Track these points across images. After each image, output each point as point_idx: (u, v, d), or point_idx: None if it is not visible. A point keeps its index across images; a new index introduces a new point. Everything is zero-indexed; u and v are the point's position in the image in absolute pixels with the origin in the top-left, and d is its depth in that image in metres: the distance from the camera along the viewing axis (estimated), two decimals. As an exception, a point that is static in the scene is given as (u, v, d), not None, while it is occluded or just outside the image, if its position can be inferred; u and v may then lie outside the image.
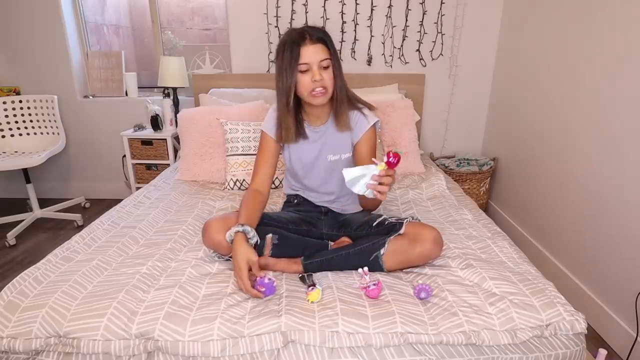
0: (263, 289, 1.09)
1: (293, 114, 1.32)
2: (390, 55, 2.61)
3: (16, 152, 2.61)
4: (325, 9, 2.52)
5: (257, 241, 1.20)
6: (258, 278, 1.11)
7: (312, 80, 1.22)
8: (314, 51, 1.21)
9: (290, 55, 1.21)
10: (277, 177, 1.94)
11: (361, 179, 1.08)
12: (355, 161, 1.40)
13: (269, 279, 1.11)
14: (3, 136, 2.62)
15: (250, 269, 1.12)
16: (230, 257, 1.27)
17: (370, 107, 1.40)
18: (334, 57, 1.26)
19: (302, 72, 1.23)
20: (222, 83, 2.61)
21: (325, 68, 1.23)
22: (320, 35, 1.23)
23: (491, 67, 2.64)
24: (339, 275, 1.20)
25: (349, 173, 1.09)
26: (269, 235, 1.28)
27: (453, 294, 1.10)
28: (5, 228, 2.45)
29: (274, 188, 1.93)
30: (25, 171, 2.52)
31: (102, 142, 2.95)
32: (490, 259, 1.27)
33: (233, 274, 1.17)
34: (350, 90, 1.38)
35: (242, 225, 1.17)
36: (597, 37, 1.67)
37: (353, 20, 2.54)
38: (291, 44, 1.21)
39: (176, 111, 2.67)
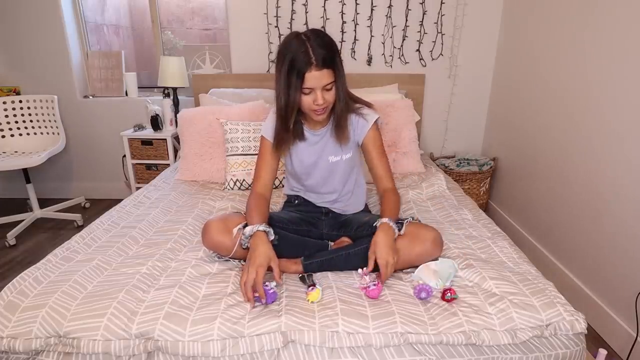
0: (263, 300, 1.06)
1: (294, 124, 1.32)
2: (390, 55, 2.61)
3: (16, 152, 2.61)
4: (325, 9, 2.52)
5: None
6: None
7: (315, 103, 1.21)
8: (320, 77, 1.17)
9: (295, 78, 1.17)
10: (276, 177, 1.94)
11: (433, 278, 1.15)
12: (367, 162, 1.41)
13: (272, 289, 1.08)
14: (3, 136, 2.61)
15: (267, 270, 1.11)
16: (230, 257, 1.27)
17: (369, 105, 1.39)
18: (338, 75, 1.22)
19: (305, 94, 1.21)
20: (222, 83, 2.61)
21: (329, 90, 1.22)
22: (326, 58, 1.16)
23: (491, 67, 2.64)
24: (339, 275, 1.21)
25: (422, 277, 1.17)
26: (269, 236, 1.29)
27: (453, 294, 1.10)
28: (5, 228, 2.45)
29: (274, 188, 1.93)
30: (25, 171, 2.52)
31: (102, 142, 2.95)
32: (490, 259, 1.27)
33: (243, 268, 1.14)
34: (351, 93, 1.36)
35: (267, 226, 1.19)
36: (597, 37, 1.67)
37: (353, 20, 2.54)
38: (297, 65, 1.15)
39: (176, 111, 2.67)
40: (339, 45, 2.54)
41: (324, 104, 1.22)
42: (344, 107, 1.29)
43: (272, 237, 1.19)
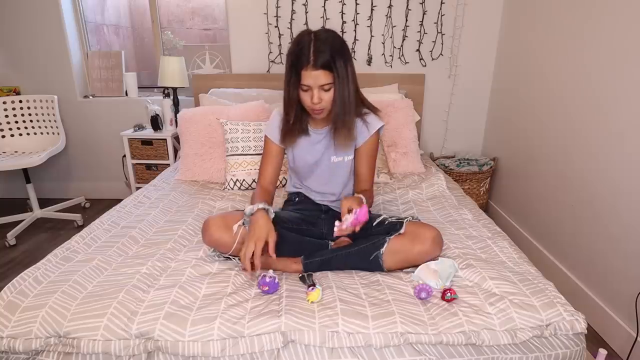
0: (266, 288, 1.10)
1: (299, 119, 1.35)
2: (390, 55, 2.61)
3: (16, 152, 2.61)
4: (325, 9, 2.52)
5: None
6: (260, 278, 1.12)
7: (311, 101, 1.23)
8: (315, 77, 1.19)
9: (294, 74, 1.22)
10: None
11: (432, 278, 1.14)
12: (355, 161, 1.43)
13: (270, 277, 1.11)
14: (3, 136, 2.61)
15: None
16: (230, 255, 1.28)
17: (375, 111, 1.41)
18: (338, 78, 1.21)
19: (304, 90, 1.24)
20: (222, 83, 2.61)
21: (327, 90, 1.23)
22: (325, 59, 1.17)
23: (491, 67, 2.64)
24: (339, 275, 1.21)
25: (422, 277, 1.16)
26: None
27: (453, 294, 1.10)
28: (5, 228, 2.45)
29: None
30: (25, 171, 2.52)
31: (102, 142, 2.95)
32: (490, 259, 1.27)
33: (246, 241, 1.14)
34: (360, 95, 1.36)
35: (267, 205, 1.23)
36: (597, 37, 1.67)
37: (353, 20, 2.54)
38: (296, 62, 1.19)
39: (176, 111, 2.67)
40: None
41: (319, 104, 1.23)
42: (340, 111, 1.27)
43: (272, 216, 1.23)
